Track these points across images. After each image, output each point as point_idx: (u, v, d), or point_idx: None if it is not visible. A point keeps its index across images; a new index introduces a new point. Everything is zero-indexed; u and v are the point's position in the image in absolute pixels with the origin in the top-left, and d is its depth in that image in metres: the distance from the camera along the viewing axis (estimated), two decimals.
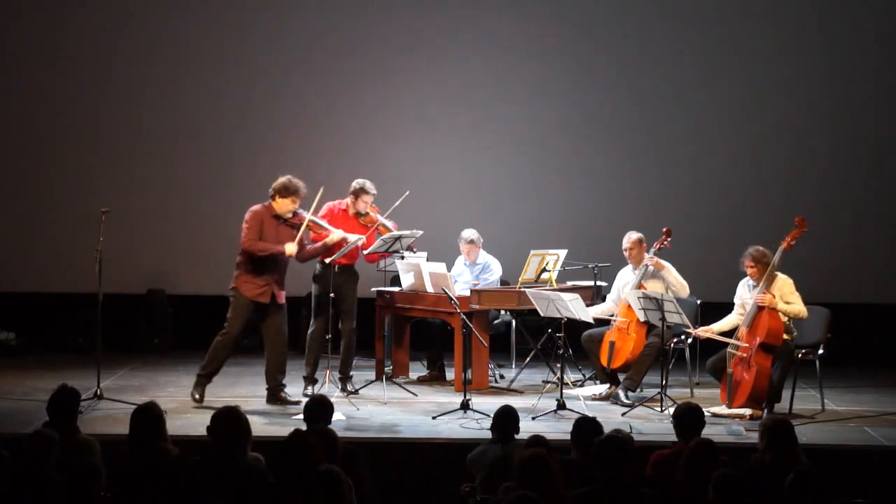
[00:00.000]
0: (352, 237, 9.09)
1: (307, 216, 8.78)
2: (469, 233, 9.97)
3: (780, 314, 8.44)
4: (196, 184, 11.63)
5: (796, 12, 11.55)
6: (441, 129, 11.63)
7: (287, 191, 8.69)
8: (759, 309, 8.45)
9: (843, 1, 11.58)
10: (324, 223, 8.99)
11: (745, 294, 8.76)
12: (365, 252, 9.53)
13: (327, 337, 9.10)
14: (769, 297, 8.45)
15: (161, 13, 11.59)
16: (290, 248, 8.67)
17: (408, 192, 9.36)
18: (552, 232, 11.06)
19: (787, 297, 8.54)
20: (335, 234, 8.95)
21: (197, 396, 8.68)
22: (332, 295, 9.12)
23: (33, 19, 11.58)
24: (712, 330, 8.80)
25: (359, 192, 9.33)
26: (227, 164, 11.61)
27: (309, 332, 9.33)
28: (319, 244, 8.98)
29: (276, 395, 8.83)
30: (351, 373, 9.38)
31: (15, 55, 11.59)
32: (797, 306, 8.54)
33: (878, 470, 7.44)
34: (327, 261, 9.17)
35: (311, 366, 9.29)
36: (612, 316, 9.27)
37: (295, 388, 9.22)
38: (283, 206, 8.73)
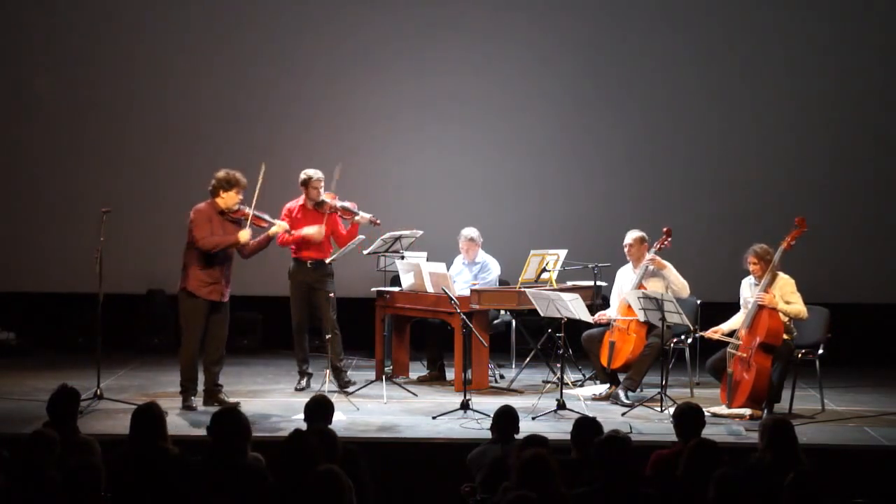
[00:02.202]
0: (309, 230, 9.13)
1: (250, 211, 8.65)
2: (469, 231, 9.97)
3: (780, 314, 8.44)
4: (196, 184, 11.56)
5: (797, 12, 11.54)
6: (441, 129, 11.61)
7: (230, 183, 8.59)
8: (760, 309, 8.44)
9: (844, 0, 11.58)
10: (265, 216, 8.77)
11: (748, 293, 8.75)
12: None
13: (327, 336, 9.11)
14: (769, 296, 8.44)
15: (160, 15, 11.58)
16: (244, 235, 8.57)
17: (340, 164, 9.39)
18: (552, 232, 11.05)
19: (788, 296, 8.53)
20: (277, 226, 8.81)
21: (194, 405, 8.56)
22: (332, 294, 9.12)
23: (32, 20, 11.57)
24: (721, 330, 8.79)
25: (306, 182, 9.33)
26: (227, 164, 11.55)
27: (293, 328, 9.38)
28: (263, 237, 8.78)
29: (213, 395, 8.66)
30: (343, 363, 9.37)
31: (14, 55, 11.58)
32: (797, 306, 8.54)
33: (878, 470, 7.44)
34: (327, 260, 9.20)
35: (301, 360, 9.38)
36: (611, 316, 9.27)
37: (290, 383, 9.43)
38: (230, 199, 8.60)
